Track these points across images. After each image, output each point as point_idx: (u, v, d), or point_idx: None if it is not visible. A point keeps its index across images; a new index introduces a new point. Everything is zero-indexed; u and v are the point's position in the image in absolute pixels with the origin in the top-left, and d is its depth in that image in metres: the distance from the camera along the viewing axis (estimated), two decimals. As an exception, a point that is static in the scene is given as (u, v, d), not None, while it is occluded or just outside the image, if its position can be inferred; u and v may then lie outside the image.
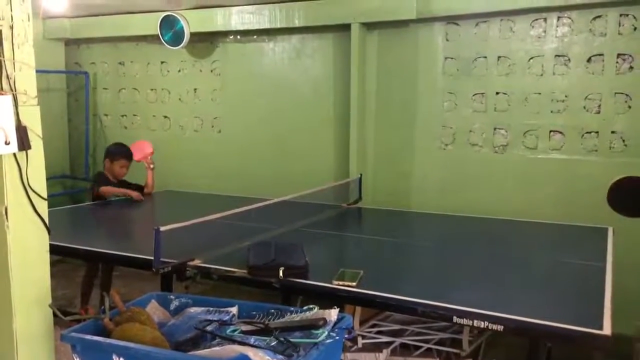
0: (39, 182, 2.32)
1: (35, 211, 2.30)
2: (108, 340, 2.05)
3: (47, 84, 5.86)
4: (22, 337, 2.29)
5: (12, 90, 2.18)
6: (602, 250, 3.12)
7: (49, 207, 2.38)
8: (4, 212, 2.20)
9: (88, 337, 2.06)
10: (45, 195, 2.34)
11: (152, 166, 4.90)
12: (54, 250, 2.46)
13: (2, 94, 2.13)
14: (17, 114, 2.17)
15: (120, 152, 4.72)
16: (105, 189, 4.63)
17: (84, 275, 4.47)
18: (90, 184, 4.86)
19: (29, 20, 2.25)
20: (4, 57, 2.16)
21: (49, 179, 2.39)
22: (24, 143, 2.19)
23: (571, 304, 2.43)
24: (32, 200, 2.28)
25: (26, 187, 2.25)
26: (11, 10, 2.19)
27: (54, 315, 2.39)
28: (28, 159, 2.25)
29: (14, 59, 2.19)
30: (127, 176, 4.87)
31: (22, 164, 2.23)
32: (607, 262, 2.88)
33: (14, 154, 2.20)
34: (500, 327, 2.19)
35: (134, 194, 4.69)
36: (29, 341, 2.32)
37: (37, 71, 2.30)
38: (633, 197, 2.66)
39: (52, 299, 2.42)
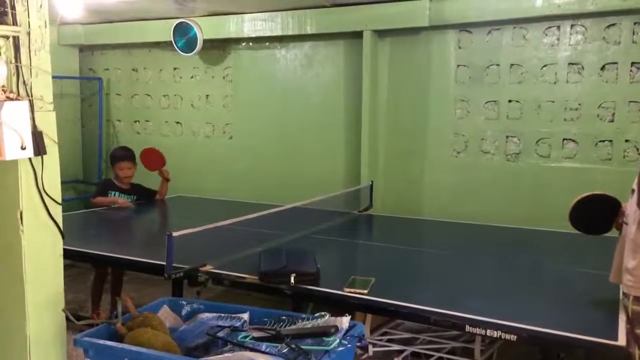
0: (54, 186, 2.34)
1: (50, 215, 2.32)
2: (120, 345, 2.06)
3: (60, 90, 5.90)
4: (35, 341, 2.31)
5: (28, 96, 2.20)
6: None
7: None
8: (19, 216, 2.22)
9: (101, 341, 2.08)
10: (59, 200, 2.36)
11: (168, 178, 4.94)
12: (65, 254, 2.48)
13: (19, 99, 2.15)
14: (33, 119, 2.19)
15: (119, 155, 4.74)
16: (96, 200, 4.69)
17: (92, 279, 4.49)
18: None
19: (45, 26, 2.27)
20: (21, 63, 2.18)
21: (61, 183, 2.41)
22: (39, 148, 2.21)
23: (585, 314, 2.41)
24: (47, 205, 2.30)
25: (41, 192, 2.27)
26: (28, 16, 2.21)
27: (66, 319, 2.40)
28: (43, 164, 2.27)
29: (30, 65, 2.21)
30: (142, 182, 4.91)
31: (38, 169, 2.25)
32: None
33: (30, 159, 2.22)
34: (513, 337, 2.17)
35: (120, 201, 4.66)
36: (41, 345, 2.33)
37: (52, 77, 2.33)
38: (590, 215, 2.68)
39: (64, 303, 2.43)
